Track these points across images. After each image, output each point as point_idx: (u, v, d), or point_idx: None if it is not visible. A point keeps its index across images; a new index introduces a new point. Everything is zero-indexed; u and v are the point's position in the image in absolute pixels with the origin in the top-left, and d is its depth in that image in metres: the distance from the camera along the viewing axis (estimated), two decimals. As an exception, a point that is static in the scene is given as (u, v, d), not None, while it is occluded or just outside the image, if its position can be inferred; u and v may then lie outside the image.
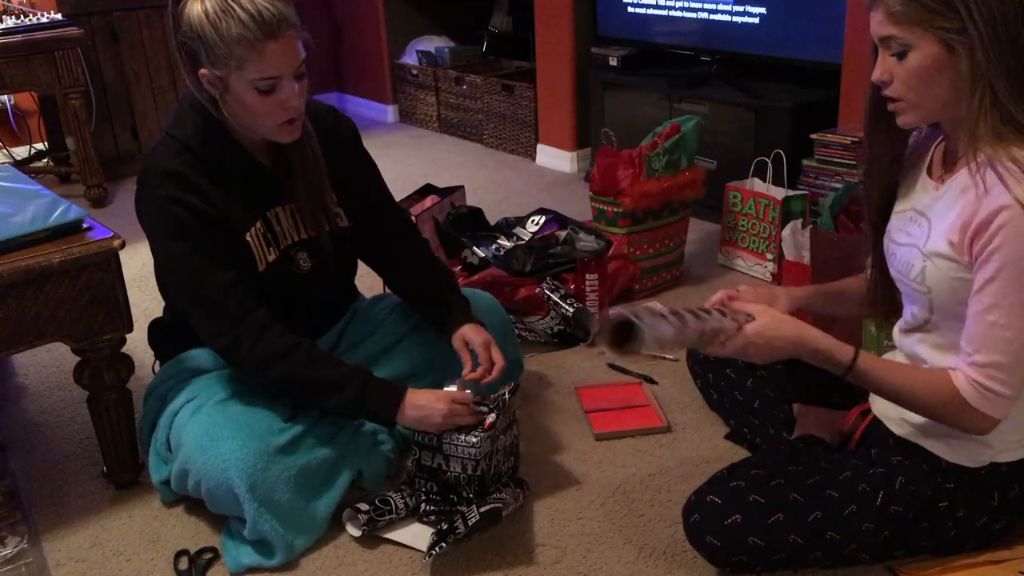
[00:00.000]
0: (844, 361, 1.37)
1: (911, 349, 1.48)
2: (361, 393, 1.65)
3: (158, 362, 1.92)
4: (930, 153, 1.45)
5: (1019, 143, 1.24)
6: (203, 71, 1.56)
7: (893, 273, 1.48)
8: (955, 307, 1.34)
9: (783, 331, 1.38)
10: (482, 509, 1.58)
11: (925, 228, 1.38)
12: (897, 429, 1.49)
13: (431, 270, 1.92)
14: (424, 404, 1.64)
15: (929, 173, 1.43)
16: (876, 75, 1.32)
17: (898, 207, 1.48)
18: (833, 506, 1.41)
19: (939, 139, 1.43)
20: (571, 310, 2.33)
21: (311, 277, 1.78)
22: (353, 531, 1.67)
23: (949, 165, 1.38)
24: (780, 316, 1.41)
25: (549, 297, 2.36)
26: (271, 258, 1.71)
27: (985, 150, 1.26)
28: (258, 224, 1.69)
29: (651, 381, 2.17)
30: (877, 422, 1.54)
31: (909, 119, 1.34)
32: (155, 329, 1.91)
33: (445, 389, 1.71)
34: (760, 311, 1.40)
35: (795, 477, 1.44)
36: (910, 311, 1.46)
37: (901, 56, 1.27)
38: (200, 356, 1.81)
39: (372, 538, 1.67)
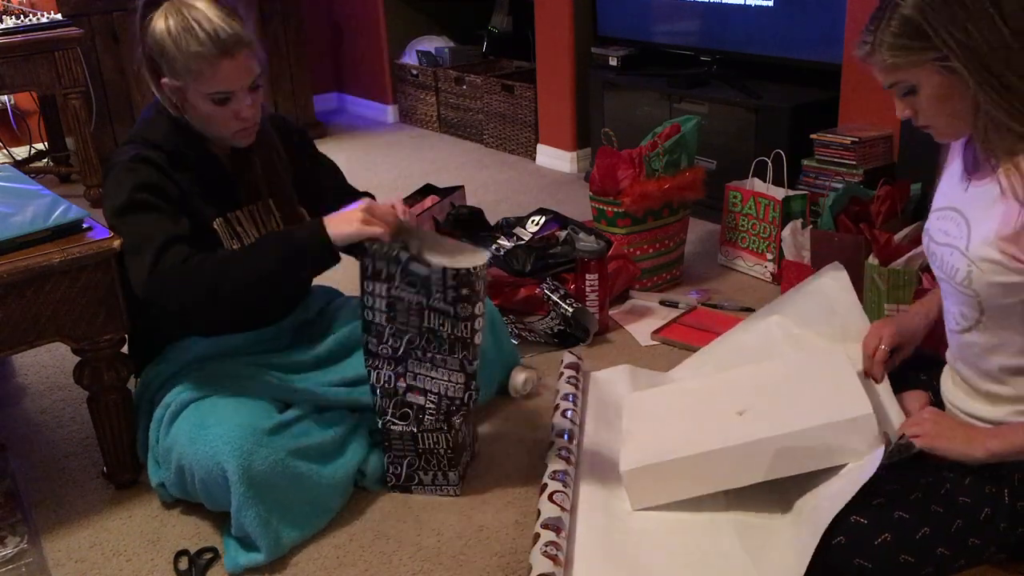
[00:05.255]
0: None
1: (964, 351, 1.48)
2: (286, 242, 1.62)
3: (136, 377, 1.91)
4: (963, 151, 1.46)
5: None
6: (164, 81, 1.69)
7: (937, 273, 1.48)
8: (1007, 307, 1.35)
9: (953, 444, 1.41)
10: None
11: (964, 229, 1.39)
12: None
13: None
14: (346, 218, 1.60)
15: (964, 170, 1.44)
16: (899, 114, 1.40)
17: (936, 205, 1.49)
18: (970, 512, 1.39)
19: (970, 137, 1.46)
20: (571, 310, 2.33)
21: None
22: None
23: (980, 164, 1.40)
24: (947, 423, 1.46)
25: (549, 297, 2.37)
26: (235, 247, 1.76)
27: (1003, 160, 1.32)
28: (220, 220, 1.76)
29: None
30: None
31: (944, 138, 1.43)
32: (132, 343, 1.91)
33: None
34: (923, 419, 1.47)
35: (929, 489, 1.41)
36: (959, 311, 1.45)
37: (912, 93, 1.36)
38: (179, 351, 1.82)
39: (372, 537, 1.67)
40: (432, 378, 1.69)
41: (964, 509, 1.38)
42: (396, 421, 1.74)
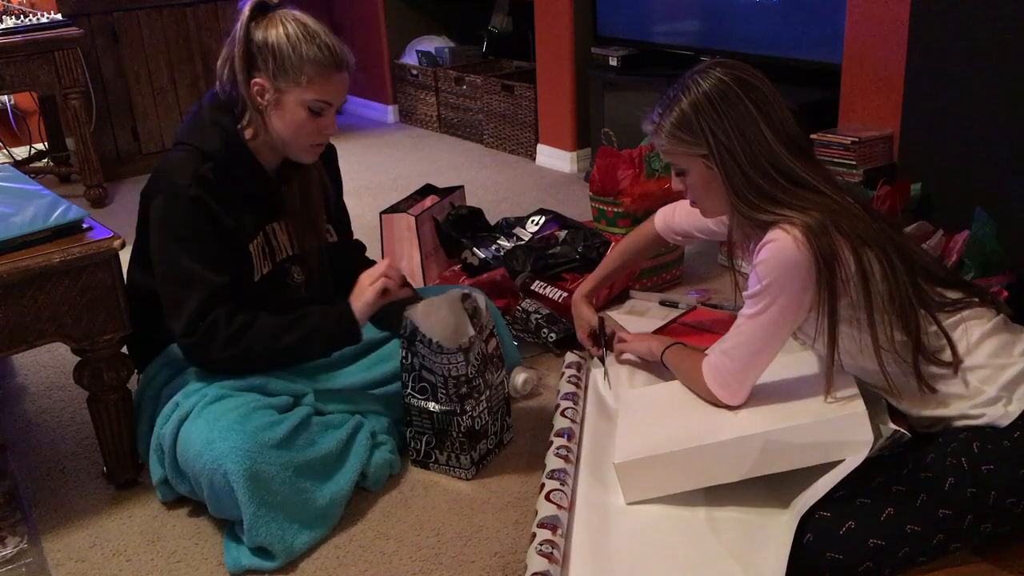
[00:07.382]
0: (658, 351, 1.87)
1: (873, 379, 1.58)
2: (316, 327, 1.77)
3: (139, 374, 1.92)
4: None
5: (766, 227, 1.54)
6: (258, 80, 1.71)
7: None
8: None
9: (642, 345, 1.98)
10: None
11: None
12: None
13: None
14: (360, 290, 1.80)
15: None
16: (674, 188, 1.70)
17: None
18: (933, 485, 1.41)
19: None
20: (553, 338, 2.29)
21: (303, 289, 1.89)
22: None
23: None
24: (642, 336, 2.04)
25: (531, 315, 2.33)
26: (266, 270, 1.81)
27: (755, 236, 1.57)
28: (259, 237, 1.79)
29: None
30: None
31: (709, 216, 1.71)
32: (132, 342, 1.91)
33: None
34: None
35: (889, 471, 1.45)
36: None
37: (683, 175, 1.63)
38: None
39: (372, 537, 1.67)
40: (435, 361, 1.75)
41: (927, 483, 1.41)
42: (416, 395, 1.80)
